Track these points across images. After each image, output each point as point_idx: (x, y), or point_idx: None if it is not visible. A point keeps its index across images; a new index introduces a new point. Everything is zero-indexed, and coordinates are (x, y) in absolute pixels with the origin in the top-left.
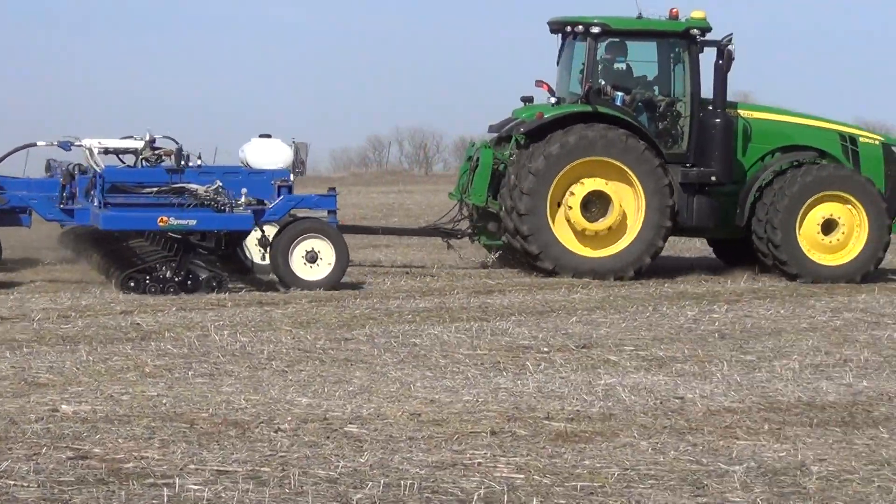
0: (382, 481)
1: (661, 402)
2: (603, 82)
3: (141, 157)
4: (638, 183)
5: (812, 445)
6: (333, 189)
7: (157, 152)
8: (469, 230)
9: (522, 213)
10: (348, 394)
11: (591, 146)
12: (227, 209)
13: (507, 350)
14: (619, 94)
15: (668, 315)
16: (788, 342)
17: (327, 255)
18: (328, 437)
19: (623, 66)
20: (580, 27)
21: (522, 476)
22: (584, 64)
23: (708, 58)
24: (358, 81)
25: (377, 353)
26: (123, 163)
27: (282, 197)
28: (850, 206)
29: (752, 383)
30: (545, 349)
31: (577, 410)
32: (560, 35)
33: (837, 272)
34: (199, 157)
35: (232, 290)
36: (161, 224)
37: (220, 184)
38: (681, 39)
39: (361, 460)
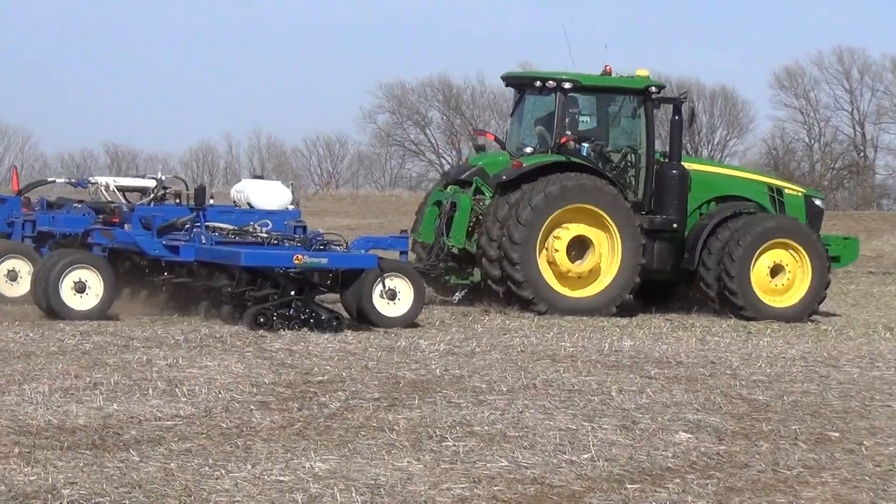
0: None
1: None
2: (570, 133)
3: (153, 195)
4: (614, 226)
5: (63, 469)
6: (405, 231)
7: (166, 191)
8: (441, 270)
9: (515, 262)
10: None
11: (572, 194)
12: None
13: None
14: (585, 145)
15: None
16: (38, 365)
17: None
18: None
19: (586, 119)
20: (551, 82)
21: None
22: (553, 117)
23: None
24: None
25: None
26: (129, 201)
27: (359, 237)
28: (794, 253)
29: (1, 407)
30: None
31: None
32: (516, 89)
33: (785, 313)
34: (212, 197)
35: None
36: (297, 262)
37: (271, 224)
38: (639, 96)
39: None
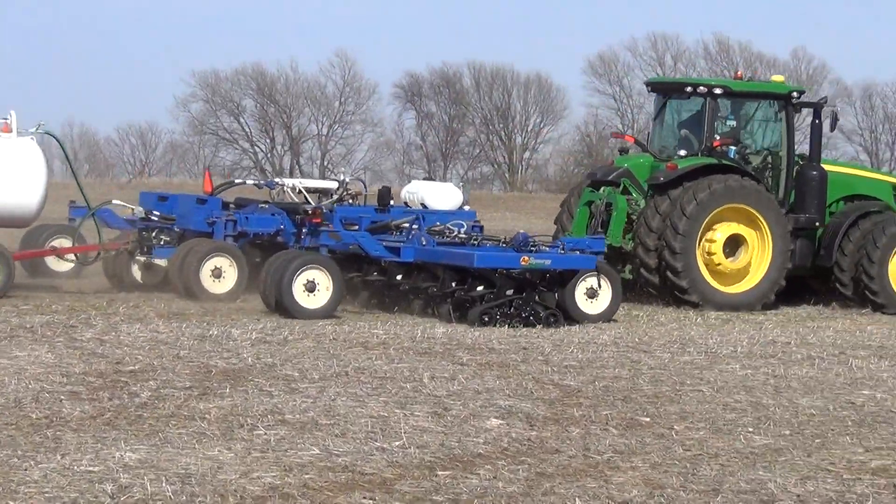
0: None
1: None
2: (718, 137)
3: (336, 196)
4: (767, 227)
5: None
6: (601, 233)
7: (348, 192)
8: None
9: (677, 251)
10: None
11: (734, 193)
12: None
13: None
14: (732, 147)
15: None
16: None
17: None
18: None
19: (732, 122)
20: (702, 88)
21: None
22: (700, 121)
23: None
24: None
25: None
26: (310, 202)
27: (559, 238)
28: None
29: None
30: None
31: None
32: (660, 94)
33: None
34: (392, 198)
35: None
36: (523, 263)
37: (465, 225)
38: (781, 100)
39: None
